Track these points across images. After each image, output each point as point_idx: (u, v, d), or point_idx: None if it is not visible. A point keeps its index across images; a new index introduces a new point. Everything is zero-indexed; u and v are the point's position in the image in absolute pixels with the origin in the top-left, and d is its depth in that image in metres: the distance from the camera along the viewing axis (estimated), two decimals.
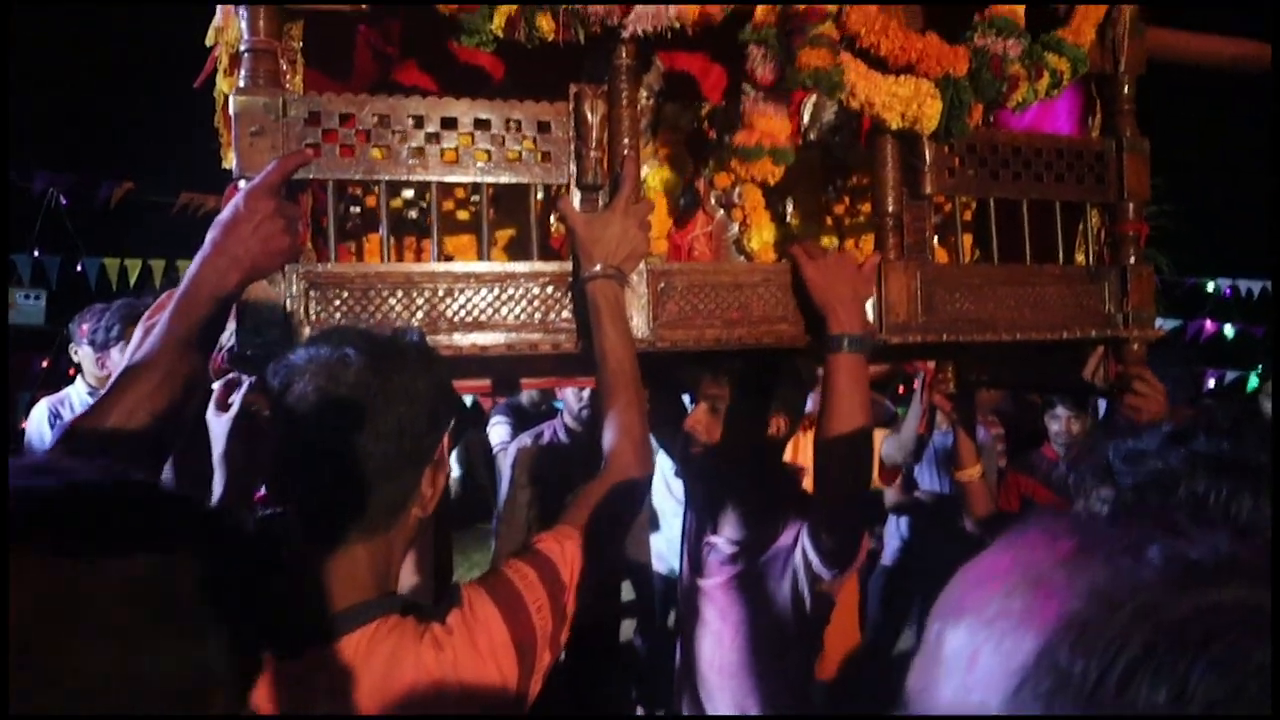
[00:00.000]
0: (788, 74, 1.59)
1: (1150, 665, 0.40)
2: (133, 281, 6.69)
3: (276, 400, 1.12)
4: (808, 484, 2.20)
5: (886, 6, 1.70)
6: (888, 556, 4.64)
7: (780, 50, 1.63)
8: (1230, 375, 7.11)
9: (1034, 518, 0.52)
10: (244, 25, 1.45)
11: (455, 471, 5.21)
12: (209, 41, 1.58)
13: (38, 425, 3.11)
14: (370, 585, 1.14)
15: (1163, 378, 5.33)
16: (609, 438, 1.50)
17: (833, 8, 1.60)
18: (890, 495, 4.60)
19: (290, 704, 1.07)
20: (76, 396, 3.25)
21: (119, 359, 2.72)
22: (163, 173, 6.77)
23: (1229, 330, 8.04)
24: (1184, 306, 8.10)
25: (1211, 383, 7.20)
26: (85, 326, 3.36)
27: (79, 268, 6.70)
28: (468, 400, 5.42)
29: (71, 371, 3.61)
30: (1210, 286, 8.18)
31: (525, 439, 3.75)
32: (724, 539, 2.10)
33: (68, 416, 2.84)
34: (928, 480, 4.52)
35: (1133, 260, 1.94)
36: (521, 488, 3.61)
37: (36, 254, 6.63)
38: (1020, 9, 1.76)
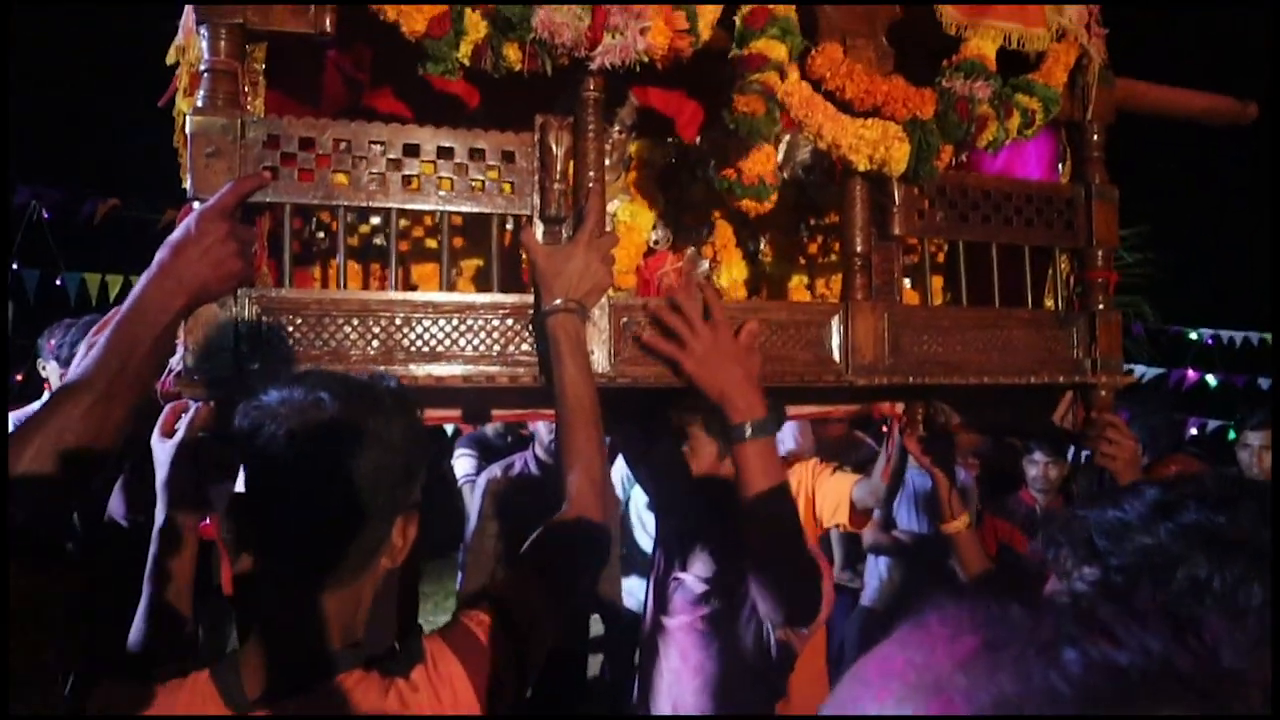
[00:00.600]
0: (724, 117, 1.59)
1: None
2: (113, 297, 6.66)
3: (245, 441, 1.08)
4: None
5: (853, 50, 1.70)
6: (867, 597, 4.60)
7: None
8: (1213, 424, 7.14)
9: (933, 607, 0.45)
10: (204, 45, 1.43)
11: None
12: (170, 60, 1.56)
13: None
14: (335, 636, 1.10)
15: (1144, 427, 5.37)
16: (569, 476, 1.47)
17: (780, 56, 1.60)
18: (868, 535, 4.57)
19: None
20: None
21: None
22: (148, 189, 6.76)
23: (1211, 380, 8.10)
24: (1168, 355, 8.16)
25: (1194, 430, 7.23)
26: (53, 342, 3.31)
27: (59, 282, 6.66)
28: (449, 429, 5.38)
29: (47, 386, 3.55)
30: (1193, 335, 8.25)
31: (495, 470, 3.70)
32: (693, 576, 2.06)
33: None
34: (905, 519, 4.50)
35: (1101, 306, 1.93)
36: (490, 519, 3.57)
37: (15, 266, 6.59)
38: (991, 53, 1.77)
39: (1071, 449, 3.94)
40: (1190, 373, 8.07)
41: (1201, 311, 8.25)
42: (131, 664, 1.33)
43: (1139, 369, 7.77)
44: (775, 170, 1.76)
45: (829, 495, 3.08)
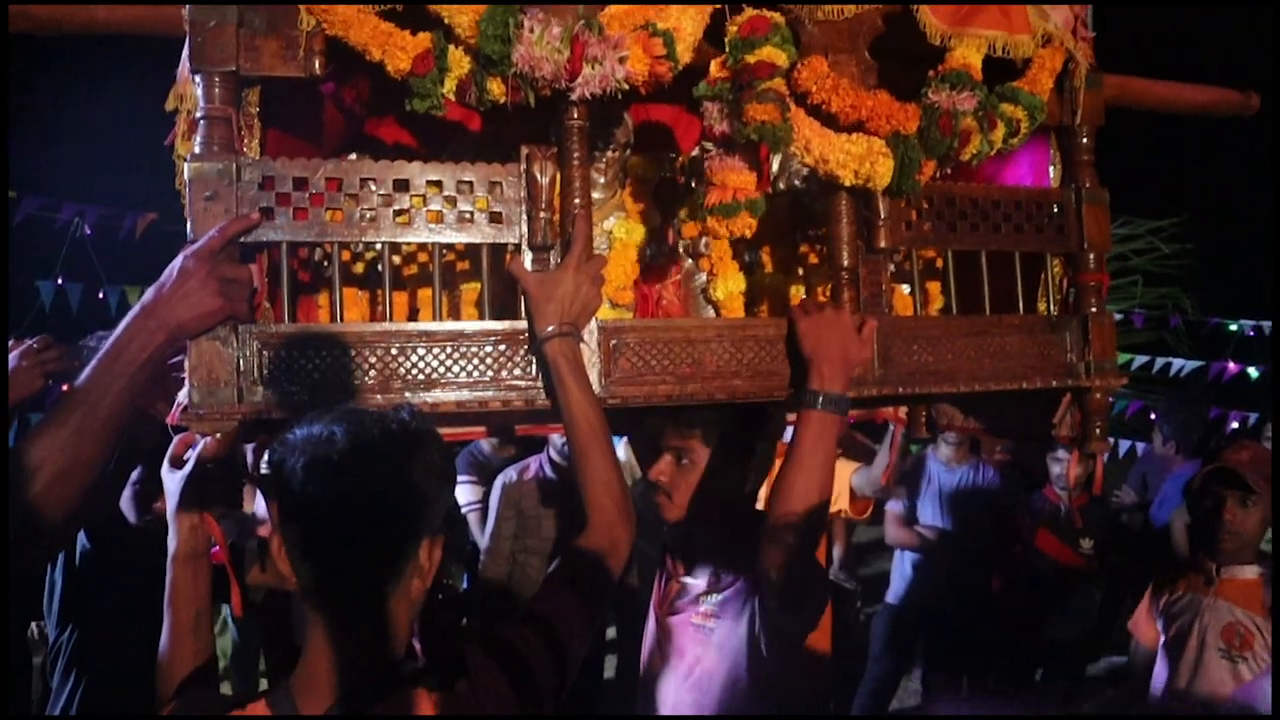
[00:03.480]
0: (736, 128, 1.61)
1: None
2: None
3: (273, 476, 1.16)
4: None
5: (837, 65, 1.73)
6: (893, 594, 4.62)
7: (731, 105, 1.65)
8: (1254, 418, 7.03)
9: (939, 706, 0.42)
10: (199, 93, 1.49)
11: None
12: (169, 106, 1.62)
13: None
14: (378, 657, 1.17)
15: (1172, 423, 5.28)
16: (590, 494, 1.52)
17: (783, 63, 1.62)
18: (892, 531, 4.58)
19: None
20: None
21: None
22: (184, 204, 6.96)
23: (1253, 372, 7.95)
24: (1207, 347, 8.02)
25: (1235, 424, 7.10)
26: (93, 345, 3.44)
27: (101, 295, 6.89)
28: None
29: None
30: (1233, 327, 8.11)
31: (511, 473, 3.79)
32: (694, 580, 2.10)
33: None
34: (929, 515, 4.50)
35: (1094, 309, 1.94)
36: (505, 520, 3.65)
37: (60, 281, 6.81)
38: (977, 62, 1.78)
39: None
40: (1231, 365, 7.93)
41: (1242, 302, 8.07)
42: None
43: (1177, 362, 7.66)
44: (765, 180, 1.78)
45: None
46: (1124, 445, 6.42)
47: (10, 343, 2.44)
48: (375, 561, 1.15)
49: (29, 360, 2.36)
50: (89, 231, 6.87)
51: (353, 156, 1.84)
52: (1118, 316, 7.15)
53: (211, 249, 1.41)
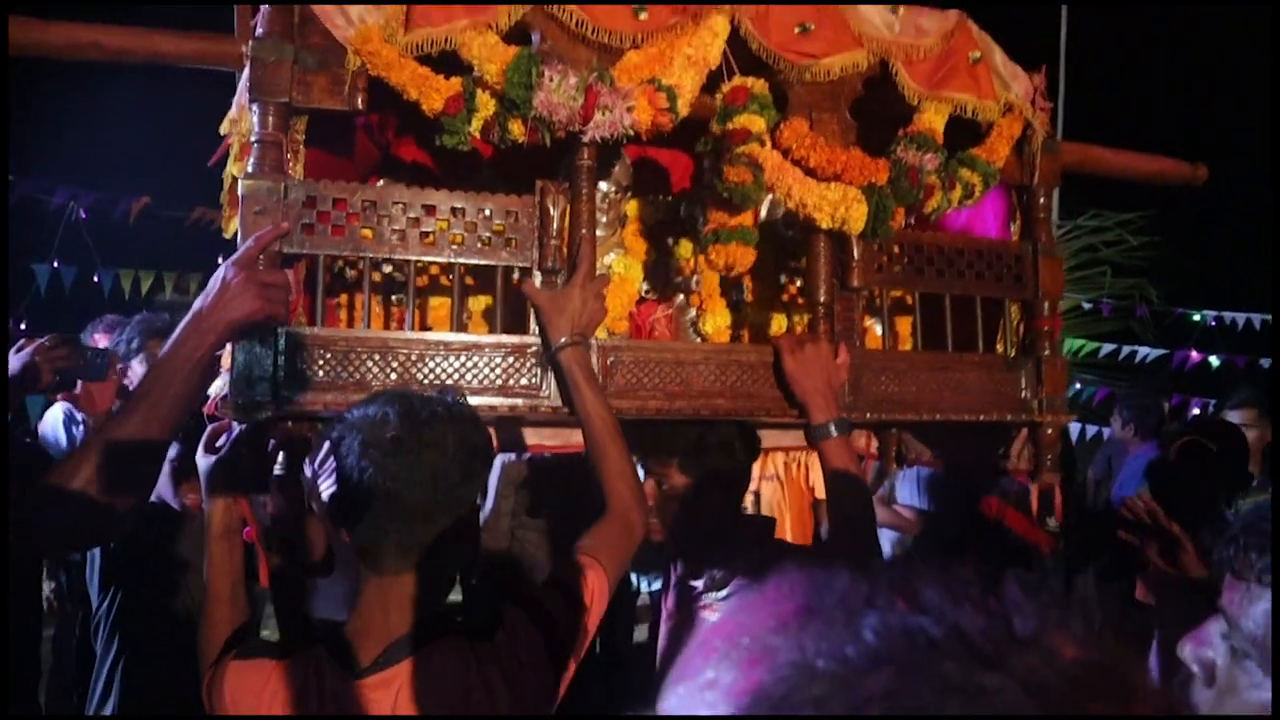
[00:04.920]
0: (716, 186, 1.82)
1: None
2: (145, 291, 7.06)
3: (333, 451, 1.34)
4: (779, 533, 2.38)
5: (820, 124, 1.94)
6: None
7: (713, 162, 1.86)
8: (1214, 404, 7.32)
9: (776, 573, 0.50)
10: (255, 120, 1.68)
11: None
12: (223, 130, 1.81)
13: (53, 426, 3.30)
14: (424, 609, 1.35)
15: (1131, 407, 5.52)
16: (608, 483, 1.69)
17: (759, 128, 1.82)
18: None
19: None
20: None
21: (140, 370, 2.97)
22: (178, 188, 7.13)
23: (1214, 360, 8.25)
24: (1171, 336, 8.31)
25: (1196, 410, 7.40)
26: (97, 336, 3.58)
27: (96, 279, 7.03)
28: None
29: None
30: (1196, 317, 8.40)
31: (510, 454, 3.94)
32: (697, 583, 2.25)
33: (81, 418, 3.22)
34: (908, 495, 4.68)
35: (1048, 352, 2.13)
36: (504, 498, 3.80)
37: (55, 265, 6.94)
38: (940, 126, 1.99)
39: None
40: (1194, 354, 8.23)
41: (1205, 294, 8.37)
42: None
43: (1142, 350, 7.96)
44: (757, 217, 1.97)
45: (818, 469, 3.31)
46: (1091, 430, 6.68)
47: (22, 340, 2.63)
48: (420, 528, 1.32)
49: (41, 356, 2.56)
50: (84, 215, 7.02)
51: (380, 183, 2.04)
52: (1086, 305, 7.44)
53: (249, 257, 1.58)
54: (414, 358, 1.74)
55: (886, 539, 4.73)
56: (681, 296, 2.35)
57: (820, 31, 1.95)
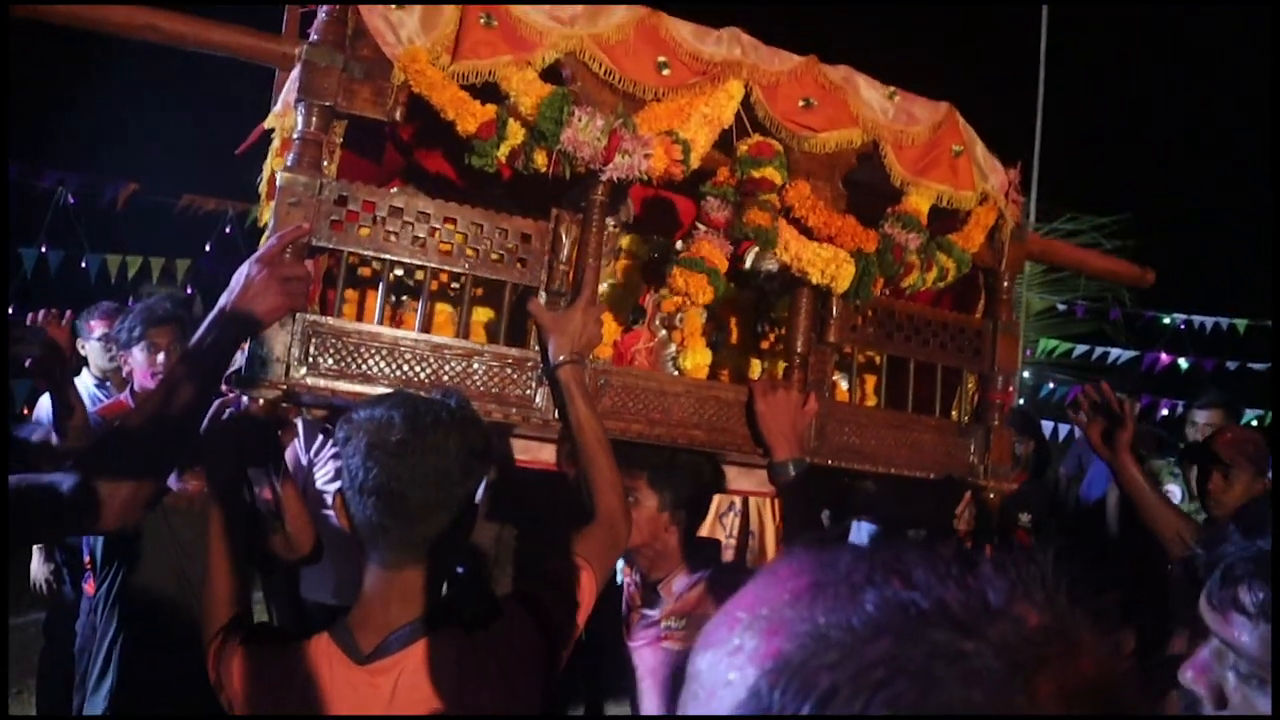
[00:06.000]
0: (735, 224, 1.98)
1: (834, 703, 0.45)
2: (131, 276, 6.99)
3: (341, 449, 1.43)
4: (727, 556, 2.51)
5: (817, 188, 2.11)
6: None
7: (733, 205, 2.02)
8: (1182, 406, 7.63)
9: (788, 553, 0.57)
10: (300, 119, 1.80)
11: None
12: (267, 125, 1.92)
13: (47, 413, 3.30)
14: (425, 601, 1.44)
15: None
16: (598, 492, 1.79)
17: (779, 181, 2.00)
18: None
19: (356, 706, 1.37)
20: (83, 387, 3.41)
21: (140, 357, 2.99)
22: (166, 175, 7.12)
23: (1182, 363, 8.55)
24: (1142, 338, 8.61)
25: (1165, 411, 7.67)
26: (93, 323, 3.58)
27: (83, 264, 6.96)
28: None
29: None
30: (1167, 320, 8.70)
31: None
32: (652, 611, 2.35)
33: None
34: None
35: (997, 423, 2.31)
36: (482, 503, 3.86)
37: (43, 249, 6.87)
38: (925, 209, 2.18)
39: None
40: (1163, 356, 8.53)
41: (1177, 298, 8.65)
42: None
43: (1114, 351, 8.23)
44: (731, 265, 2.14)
45: None
46: (1064, 429, 6.89)
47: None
48: (422, 523, 1.41)
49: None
50: (73, 200, 6.98)
51: (394, 190, 2.15)
52: (1061, 307, 7.70)
53: (271, 254, 1.64)
54: (419, 358, 1.85)
55: (864, 531, 4.85)
56: (664, 331, 2.49)
57: (822, 108, 2.13)
